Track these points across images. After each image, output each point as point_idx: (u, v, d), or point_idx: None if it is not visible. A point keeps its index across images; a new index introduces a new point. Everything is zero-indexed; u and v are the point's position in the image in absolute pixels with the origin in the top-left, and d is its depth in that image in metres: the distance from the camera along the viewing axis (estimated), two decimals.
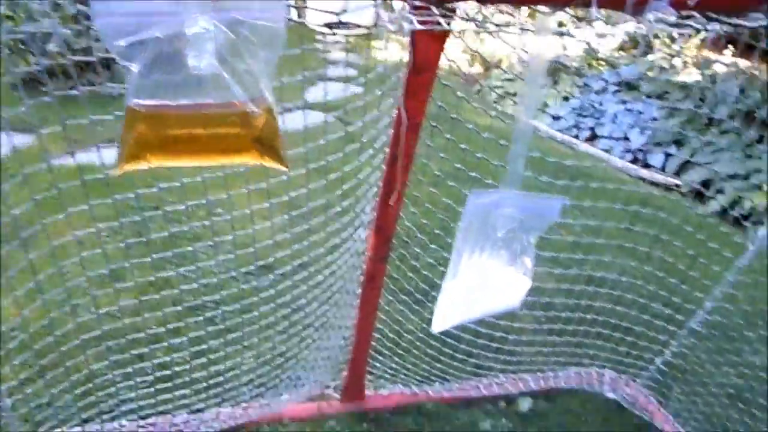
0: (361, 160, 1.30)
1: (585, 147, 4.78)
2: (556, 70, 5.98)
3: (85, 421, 1.70)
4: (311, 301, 1.69)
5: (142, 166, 0.72)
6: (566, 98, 5.43)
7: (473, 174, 1.43)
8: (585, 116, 5.00)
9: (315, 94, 1.15)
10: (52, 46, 3.61)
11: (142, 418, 1.79)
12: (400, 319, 2.00)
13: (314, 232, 1.46)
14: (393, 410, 1.98)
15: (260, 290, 1.95)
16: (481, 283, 0.91)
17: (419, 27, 0.89)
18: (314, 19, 0.96)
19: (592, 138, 4.97)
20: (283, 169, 0.73)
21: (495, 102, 5.25)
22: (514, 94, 5.67)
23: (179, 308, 1.61)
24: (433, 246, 1.70)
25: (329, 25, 0.81)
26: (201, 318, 1.68)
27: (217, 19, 0.65)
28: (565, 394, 2.13)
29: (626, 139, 4.69)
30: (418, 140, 1.24)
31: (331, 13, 0.80)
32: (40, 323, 1.43)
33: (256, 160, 0.71)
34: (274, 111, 0.69)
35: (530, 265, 0.92)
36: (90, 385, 1.60)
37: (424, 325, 2.01)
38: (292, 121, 1.16)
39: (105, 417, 1.71)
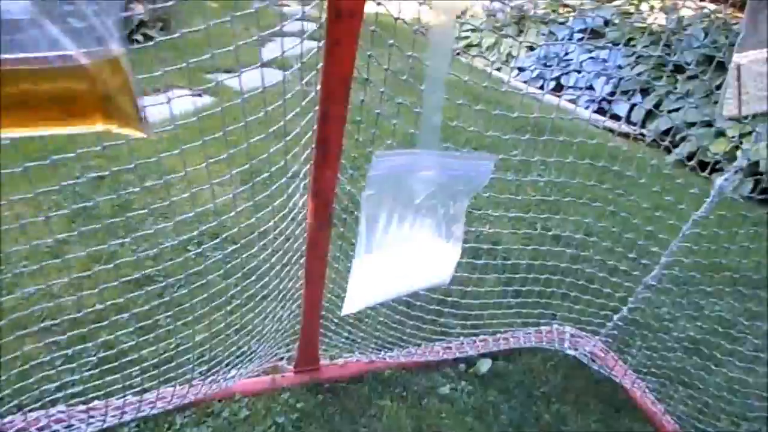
0: (286, 118, 1.18)
1: (550, 98, 4.69)
2: (521, 18, 5.81)
3: (21, 408, 1.60)
4: (265, 271, 1.59)
5: None
6: (531, 48, 5.29)
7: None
8: (550, 66, 4.89)
9: (272, 51, 1.02)
10: None
11: (85, 402, 1.69)
12: None
13: (271, 198, 1.35)
14: (349, 379, 1.92)
15: (211, 259, 1.86)
16: (401, 256, 0.81)
17: None
18: None
19: (558, 89, 4.87)
20: (139, 135, 0.60)
21: (457, 54, 5.08)
22: (478, 45, 5.50)
23: (124, 282, 1.51)
24: None
25: None
26: (147, 291, 1.58)
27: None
28: (525, 354, 2.11)
29: (591, 88, 4.60)
30: (348, 95, 1.12)
31: None
32: None
33: (104, 124, 0.59)
34: (122, 62, 0.56)
35: (460, 234, 0.82)
36: (27, 368, 1.50)
37: None
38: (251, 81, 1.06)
39: (45, 403, 1.61)
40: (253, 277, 1.58)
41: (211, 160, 1.18)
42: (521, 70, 5.22)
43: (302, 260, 1.54)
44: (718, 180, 1.35)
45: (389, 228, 0.77)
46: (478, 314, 2.08)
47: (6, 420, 1.58)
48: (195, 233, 1.83)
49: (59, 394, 1.63)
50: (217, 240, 1.60)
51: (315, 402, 1.83)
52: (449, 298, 1.93)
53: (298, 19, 1.00)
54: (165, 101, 0.98)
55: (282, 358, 1.94)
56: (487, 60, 5.38)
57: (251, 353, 1.86)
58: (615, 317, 1.81)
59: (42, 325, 1.72)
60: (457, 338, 2.05)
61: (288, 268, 1.63)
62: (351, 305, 0.87)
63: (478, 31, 5.76)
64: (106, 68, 0.55)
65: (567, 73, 4.87)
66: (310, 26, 1.08)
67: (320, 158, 1.22)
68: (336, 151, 1.22)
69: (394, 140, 1.36)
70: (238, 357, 1.83)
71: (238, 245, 1.53)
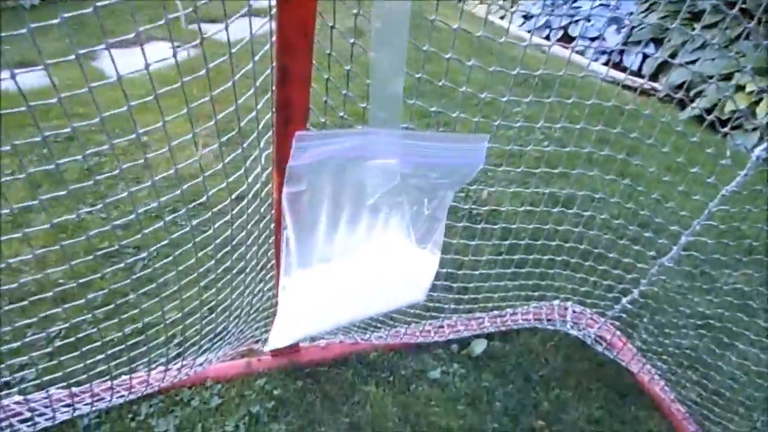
0: (235, 78, 0.97)
1: (556, 49, 4.39)
2: None
3: None
4: (241, 240, 1.40)
5: None
6: None
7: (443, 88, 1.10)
8: (558, 14, 4.57)
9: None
10: None
11: (42, 388, 1.55)
12: None
13: (250, 160, 1.14)
14: (332, 362, 1.77)
15: (184, 228, 1.65)
16: (355, 270, 0.61)
17: None
18: None
19: (565, 38, 4.56)
20: None
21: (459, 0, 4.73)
22: None
23: (91, 257, 1.33)
24: None
25: None
26: (114, 264, 1.40)
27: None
28: (523, 333, 1.95)
29: (601, 38, 4.30)
30: (312, 47, 0.91)
31: None
32: None
33: None
34: None
35: (440, 238, 0.62)
36: None
37: None
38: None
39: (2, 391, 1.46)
40: (228, 248, 1.40)
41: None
42: (527, 18, 4.89)
43: (271, 240, 1.36)
44: (756, 150, 1.14)
45: (334, 234, 0.57)
46: (475, 288, 1.90)
47: None
48: (167, 198, 1.64)
49: (16, 381, 1.49)
50: (191, 205, 1.39)
51: (293, 388, 1.68)
52: (443, 270, 1.75)
53: None
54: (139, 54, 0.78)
55: (258, 340, 1.78)
56: (488, 5, 5.04)
57: (226, 334, 1.70)
58: (624, 299, 1.63)
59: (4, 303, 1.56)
60: (450, 317, 1.89)
61: (265, 237, 1.44)
62: (280, 338, 0.68)
63: None
64: None
65: (575, 22, 4.55)
66: None
67: (281, 125, 1.02)
68: (301, 117, 1.01)
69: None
70: (211, 339, 1.67)
71: (214, 211, 1.33)
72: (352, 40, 0.80)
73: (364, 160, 0.54)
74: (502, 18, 4.97)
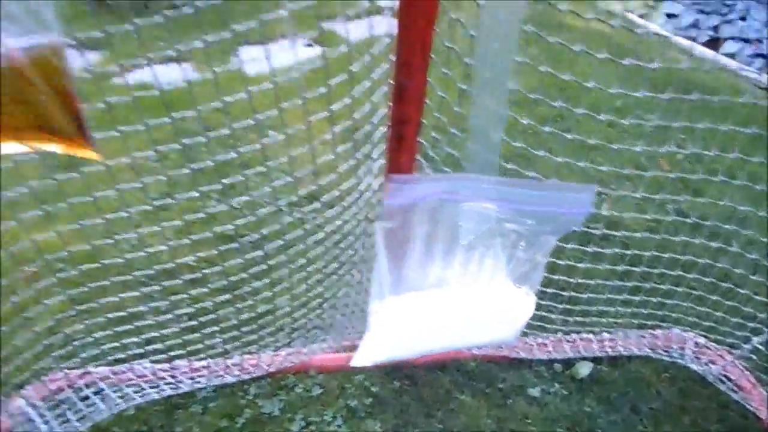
0: (354, 95, 1.01)
1: (703, 51, 4.01)
2: None
3: (118, 362, 1.66)
4: (355, 236, 1.47)
5: None
6: None
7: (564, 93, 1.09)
8: (707, 13, 4.17)
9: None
10: None
11: (168, 360, 1.73)
12: None
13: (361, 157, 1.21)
14: (430, 366, 1.79)
15: (305, 222, 1.75)
16: (445, 301, 0.62)
17: None
18: None
19: (714, 40, 4.15)
20: (90, 156, 0.47)
21: None
22: None
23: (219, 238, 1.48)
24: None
25: None
26: (239, 251, 1.54)
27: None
28: (634, 361, 1.83)
29: (758, 41, 3.86)
30: (428, 65, 0.93)
31: None
32: (83, 253, 1.34)
33: (44, 142, 0.46)
34: (62, 58, 0.43)
35: (538, 281, 0.61)
36: (127, 327, 1.54)
37: None
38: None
39: (133, 357, 1.66)
40: (342, 244, 1.47)
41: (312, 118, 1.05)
42: (670, 16, 4.51)
43: None
44: None
45: (428, 266, 0.59)
46: (585, 309, 1.82)
47: (95, 371, 1.65)
48: (295, 197, 1.75)
49: (145, 349, 1.68)
50: (314, 203, 1.48)
51: (391, 388, 1.73)
52: (548, 290, 1.69)
53: None
54: (263, 54, 0.90)
55: (361, 336, 1.85)
56: (626, 3, 4.73)
57: (333, 326, 1.79)
58: (755, 339, 1.48)
59: (136, 275, 1.76)
60: (555, 334, 1.82)
61: (365, 237, 1.50)
62: (366, 357, 0.71)
63: None
64: (40, 66, 0.41)
65: (728, 21, 4.13)
66: None
67: (395, 142, 1.05)
68: (414, 135, 1.04)
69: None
70: (320, 329, 1.76)
71: (331, 206, 1.41)
72: (462, 85, 0.80)
73: (459, 202, 0.55)
74: (641, 17, 4.64)
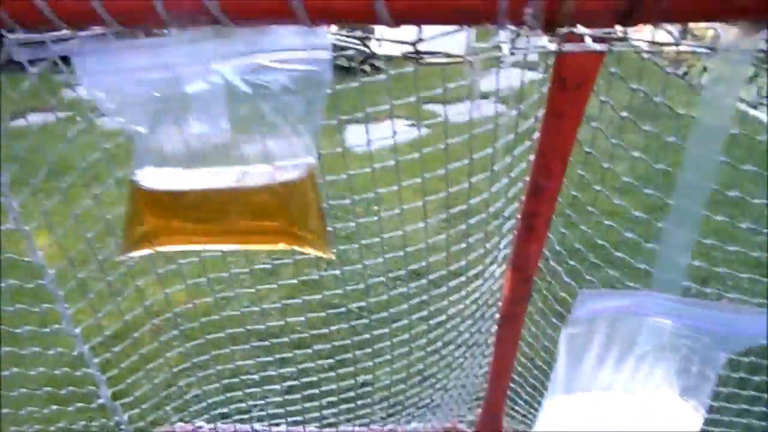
0: (493, 191, 1.01)
1: None
2: None
3: (223, 417, 1.70)
4: (460, 316, 1.44)
5: (146, 251, 0.56)
6: None
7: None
8: None
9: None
10: None
11: (274, 424, 1.74)
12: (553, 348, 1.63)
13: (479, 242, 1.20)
14: None
15: (408, 297, 1.72)
16: (613, 406, 0.61)
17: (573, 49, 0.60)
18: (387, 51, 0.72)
19: None
20: (326, 257, 0.52)
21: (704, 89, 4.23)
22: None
23: (324, 313, 1.51)
24: (610, 264, 1.32)
25: (411, 56, 0.57)
26: (345, 325, 1.58)
27: (234, 70, 0.45)
28: None
29: None
30: (565, 170, 0.92)
31: (407, 43, 0.54)
32: (202, 310, 1.42)
33: (287, 245, 0.51)
34: (315, 177, 0.49)
35: (707, 398, 0.58)
36: (233, 381, 1.59)
37: None
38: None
39: (239, 417, 1.69)
40: (448, 324, 1.43)
41: (428, 198, 1.08)
42: None
43: (492, 330, 1.35)
44: None
45: (600, 369, 0.58)
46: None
47: (203, 426, 1.68)
48: (402, 272, 1.75)
49: (249, 413, 1.70)
50: (421, 280, 1.47)
51: None
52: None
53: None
54: (389, 132, 0.98)
55: (462, 420, 1.76)
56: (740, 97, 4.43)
57: (433, 406, 1.73)
58: None
59: (251, 342, 1.80)
60: None
61: (482, 321, 1.45)
62: None
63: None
64: (300, 185, 0.49)
65: None
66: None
67: (524, 232, 1.03)
68: (544, 227, 1.01)
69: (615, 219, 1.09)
70: (419, 407, 1.71)
71: (438, 286, 1.39)
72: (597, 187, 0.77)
73: (639, 315, 0.54)
74: (755, 108, 4.33)
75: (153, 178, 0.50)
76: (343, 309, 1.70)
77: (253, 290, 1.44)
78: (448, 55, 0.53)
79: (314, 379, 1.57)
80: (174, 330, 1.39)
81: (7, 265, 1.18)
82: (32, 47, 0.45)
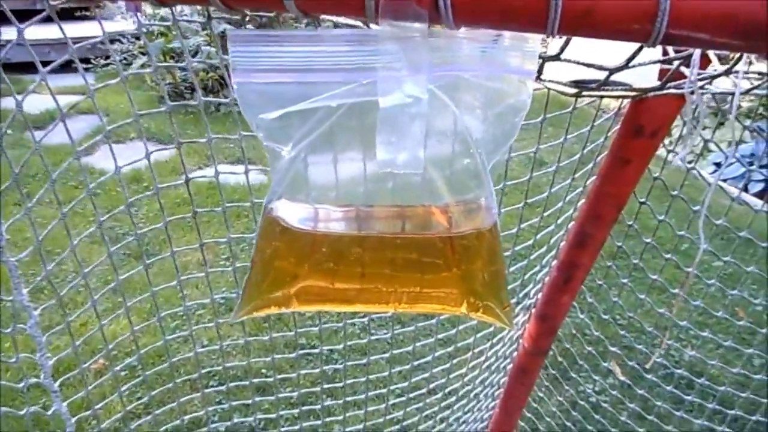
0: (537, 238, 0.97)
1: (756, 202, 4.03)
2: (720, 110, 5.20)
3: None
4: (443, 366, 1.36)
5: (276, 311, 0.43)
6: (736, 143, 4.67)
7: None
8: (761, 166, 4.25)
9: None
10: (196, 63, 3.72)
11: None
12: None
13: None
14: None
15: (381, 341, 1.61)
16: None
17: None
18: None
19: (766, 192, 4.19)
20: (506, 327, 0.42)
21: None
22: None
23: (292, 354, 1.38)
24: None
25: (580, 84, 0.50)
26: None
27: (438, 82, 0.34)
28: None
29: None
30: (617, 220, 0.90)
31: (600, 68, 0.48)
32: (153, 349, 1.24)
33: (459, 310, 0.41)
34: (497, 228, 0.39)
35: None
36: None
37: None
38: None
39: None
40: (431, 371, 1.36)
41: None
42: (718, 166, 4.61)
43: (501, 382, 1.29)
44: None
45: None
46: None
47: None
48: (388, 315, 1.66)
49: None
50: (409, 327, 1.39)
51: None
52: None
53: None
54: None
55: None
56: (674, 152, 4.84)
57: None
58: None
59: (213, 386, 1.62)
60: None
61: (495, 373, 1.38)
62: None
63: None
64: (483, 234, 0.39)
65: None
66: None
67: (559, 282, 0.99)
68: (581, 279, 0.98)
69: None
70: None
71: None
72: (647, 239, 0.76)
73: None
74: (690, 163, 4.74)
75: (300, 213, 0.39)
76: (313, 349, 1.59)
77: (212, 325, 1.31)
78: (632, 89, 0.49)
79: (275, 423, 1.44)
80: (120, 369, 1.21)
81: None
82: None
